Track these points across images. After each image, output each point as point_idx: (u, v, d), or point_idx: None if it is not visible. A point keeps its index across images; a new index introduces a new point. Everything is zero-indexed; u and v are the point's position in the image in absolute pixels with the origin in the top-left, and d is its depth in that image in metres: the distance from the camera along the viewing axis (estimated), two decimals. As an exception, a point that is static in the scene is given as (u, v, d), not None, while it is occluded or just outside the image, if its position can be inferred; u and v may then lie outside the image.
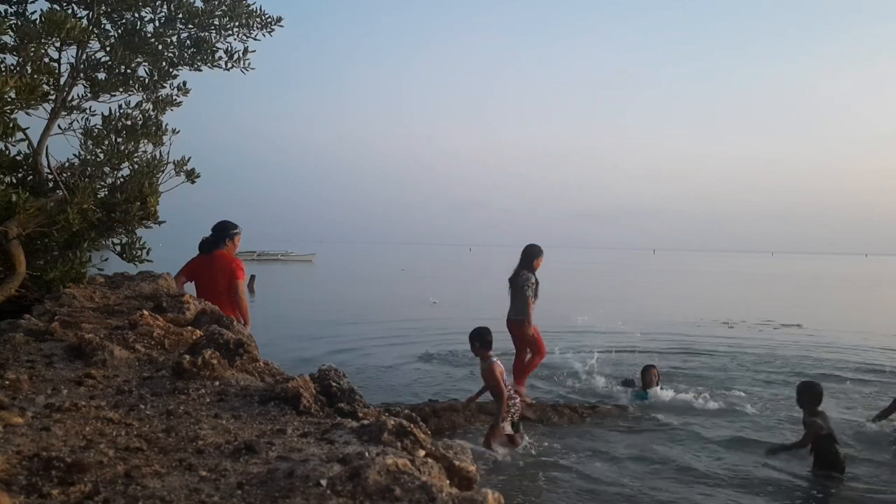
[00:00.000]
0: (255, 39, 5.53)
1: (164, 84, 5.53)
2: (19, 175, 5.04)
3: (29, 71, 4.69)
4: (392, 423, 1.66)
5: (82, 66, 5.13)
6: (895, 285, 41.31)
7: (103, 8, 5.12)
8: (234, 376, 2.31)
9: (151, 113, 5.47)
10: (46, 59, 4.92)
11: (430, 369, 10.03)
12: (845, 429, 6.81)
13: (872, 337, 13.87)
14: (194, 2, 5.36)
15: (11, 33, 4.66)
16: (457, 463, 1.59)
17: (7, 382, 2.10)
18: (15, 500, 1.29)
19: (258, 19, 5.46)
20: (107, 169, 5.22)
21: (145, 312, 3.08)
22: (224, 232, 5.63)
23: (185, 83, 5.63)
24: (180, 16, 5.33)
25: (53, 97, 4.93)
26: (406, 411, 1.92)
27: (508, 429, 5.98)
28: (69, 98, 5.13)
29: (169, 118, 5.60)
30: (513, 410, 5.99)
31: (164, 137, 5.41)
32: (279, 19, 5.56)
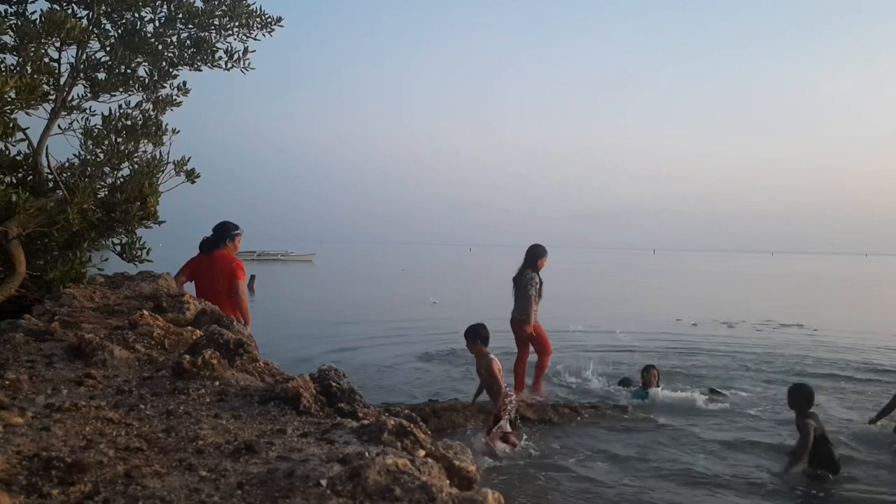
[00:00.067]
0: (255, 39, 5.54)
1: (164, 84, 5.54)
2: (19, 175, 5.04)
3: (29, 71, 4.69)
4: (392, 423, 1.66)
5: (82, 66, 5.13)
6: (895, 285, 41.31)
7: (103, 8, 5.12)
8: (234, 376, 2.31)
9: (151, 113, 5.47)
10: (46, 59, 4.92)
11: (430, 369, 10.03)
12: (845, 429, 6.81)
13: (873, 337, 13.86)
14: (194, 2, 5.36)
15: (11, 33, 4.66)
16: (457, 463, 1.59)
17: (7, 382, 2.10)
18: (15, 500, 1.29)
19: (258, 19, 5.47)
20: (107, 169, 5.23)
21: (145, 312, 3.08)
22: (225, 232, 5.64)
23: (185, 83, 5.64)
24: (180, 16, 5.33)
25: (53, 97, 4.93)
26: (406, 411, 1.92)
27: (508, 427, 5.98)
28: (69, 98, 5.13)
29: (169, 118, 5.61)
30: (510, 408, 5.99)
31: (164, 137, 5.41)
32: (279, 19, 5.56)
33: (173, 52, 5.44)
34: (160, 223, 5.24)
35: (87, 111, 5.28)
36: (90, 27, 5.02)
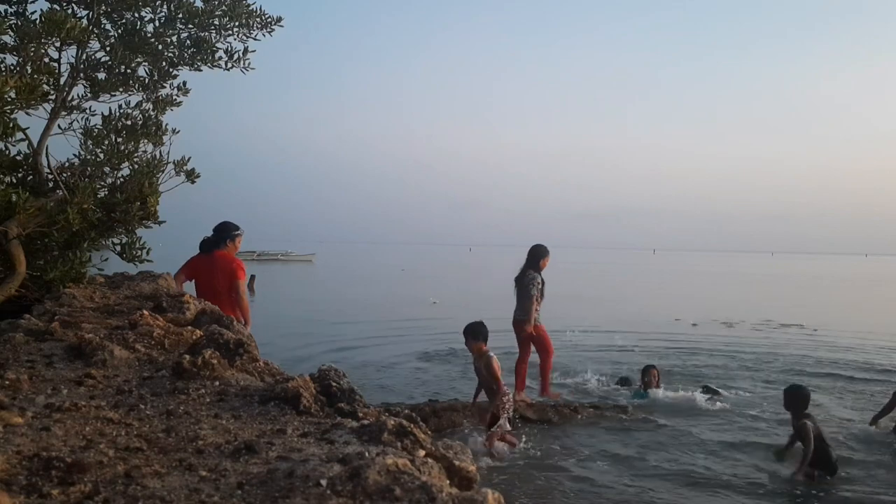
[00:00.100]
0: (255, 39, 5.53)
1: (164, 84, 5.53)
2: (19, 175, 5.04)
3: (29, 71, 4.69)
4: (392, 423, 1.66)
5: (82, 65, 5.13)
6: (895, 285, 41.31)
7: (103, 8, 5.12)
8: (234, 376, 2.31)
9: (151, 113, 5.47)
10: (46, 59, 4.92)
11: (430, 369, 10.03)
12: (845, 429, 6.81)
13: (873, 337, 13.86)
14: (194, 2, 5.36)
15: (11, 33, 4.66)
16: (457, 463, 1.59)
17: (7, 382, 2.10)
18: (15, 500, 1.29)
19: (258, 19, 5.47)
20: (107, 169, 5.22)
21: (145, 312, 3.08)
22: (226, 233, 5.65)
23: (185, 83, 5.64)
24: (180, 16, 5.33)
25: (53, 97, 4.93)
26: (406, 411, 1.93)
27: (507, 426, 5.99)
28: (69, 98, 5.13)
29: (169, 118, 5.61)
30: (508, 406, 5.99)
31: (164, 137, 5.41)
32: (279, 19, 5.56)
33: (173, 52, 5.44)
34: (160, 223, 5.24)
35: (87, 111, 5.28)
36: (90, 27, 5.02)
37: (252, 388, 2.17)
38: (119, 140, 5.24)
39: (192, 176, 5.38)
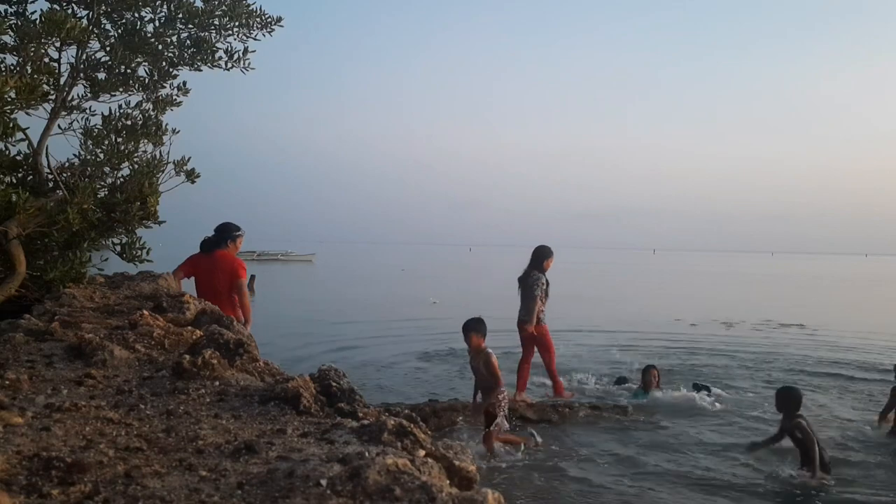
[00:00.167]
0: (255, 39, 5.53)
1: (164, 84, 5.53)
2: (19, 175, 5.04)
3: (29, 71, 4.69)
4: (392, 423, 1.67)
5: (82, 65, 5.13)
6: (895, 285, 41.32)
7: (103, 8, 5.12)
8: (234, 376, 2.31)
9: (151, 113, 5.47)
10: (46, 59, 4.92)
11: (430, 369, 10.03)
12: (845, 429, 6.80)
13: (874, 336, 13.85)
14: (194, 2, 5.36)
15: (11, 33, 4.66)
16: (457, 463, 1.59)
17: (7, 382, 2.10)
18: (15, 500, 1.29)
19: (258, 19, 5.47)
20: (107, 169, 5.23)
21: (145, 312, 3.08)
22: (227, 233, 5.66)
23: (185, 83, 5.64)
24: (180, 16, 5.33)
25: (53, 97, 4.93)
26: (406, 411, 1.93)
27: (505, 424, 5.99)
28: (69, 98, 5.13)
29: (169, 118, 5.61)
30: (504, 404, 5.98)
31: (163, 137, 5.41)
32: (279, 19, 5.56)
33: (173, 52, 5.44)
34: (160, 223, 5.24)
35: (87, 111, 5.29)
36: (90, 27, 5.02)
37: (252, 388, 2.17)
38: (119, 140, 5.24)
39: (191, 176, 5.38)
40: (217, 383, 2.21)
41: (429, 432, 1.71)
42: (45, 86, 4.72)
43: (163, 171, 5.26)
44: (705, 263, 79.71)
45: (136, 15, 5.30)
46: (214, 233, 5.70)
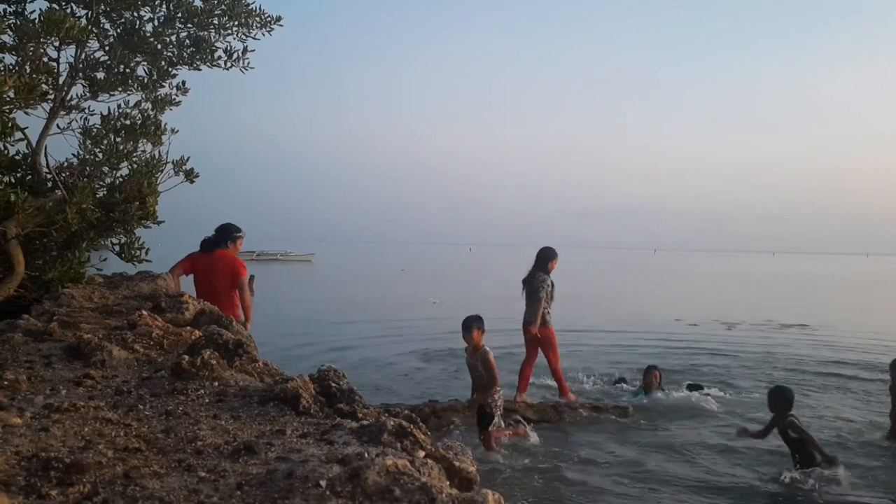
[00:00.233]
0: (255, 39, 5.52)
1: (163, 83, 5.52)
2: (18, 175, 5.03)
3: (28, 70, 4.68)
4: (392, 423, 1.66)
5: (81, 65, 5.12)
6: None
7: (102, 7, 5.11)
8: (234, 377, 2.31)
9: (150, 112, 5.46)
10: (45, 59, 4.91)
11: (430, 369, 10.03)
12: (845, 430, 6.80)
13: (875, 336, 13.85)
14: (193, 1, 5.35)
15: (10, 32, 4.65)
16: (457, 464, 1.58)
17: (6, 383, 2.09)
18: (14, 501, 1.29)
19: (257, 18, 5.46)
20: (106, 169, 5.21)
21: (144, 313, 3.07)
22: (227, 234, 5.69)
23: (184, 82, 5.63)
24: (179, 15, 5.32)
25: (52, 97, 4.92)
26: (406, 412, 1.92)
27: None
28: (68, 97, 5.12)
29: (168, 117, 5.60)
30: (500, 403, 5.98)
31: (163, 137, 5.40)
32: (278, 18, 5.55)
33: (172, 52, 5.43)
34: (159, 223, 5.23)
35: (86, 111, 5.27)
36: (89, 26, 5.01)
37: (251, 389, 2.16)
38: (118, 140, 5.23)
39: (190, 176, 5.37)
40: (216, 384, 2.21)
41: (429, 433, 1.70)
42: (43, 85, 4.71)
43: (162, 171, 5.25)
44: (706, 263, 79.74)
45: (136, 14, 5.29)
46: (215, 232, 5.71)
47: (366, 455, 1.43)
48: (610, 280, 39.54)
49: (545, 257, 7.83)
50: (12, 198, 4.12)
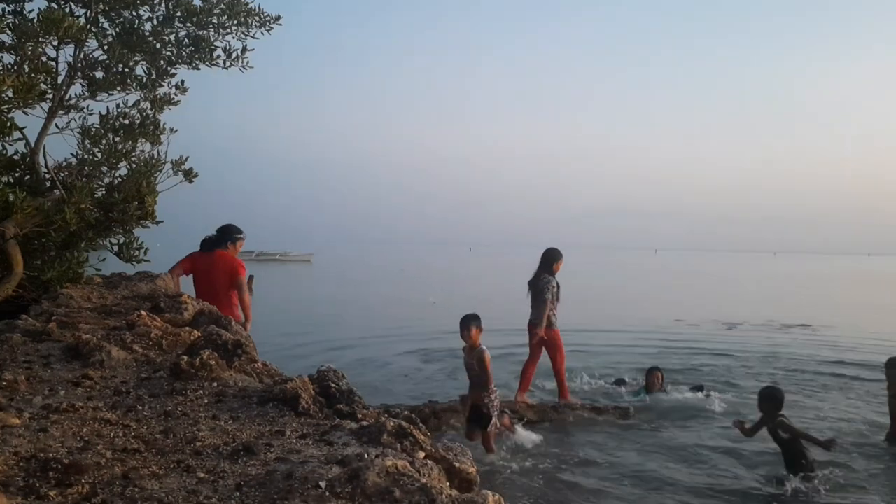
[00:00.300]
0: (254, 38, 5.51)
1: (162, 83, 5.51)
2: (16, 174, 5.01)
3: (26, 70, 4.67)
4: (391, 424, 1.66)
5: (80, 64, 5.11)
6: None
7: (101, 6, 5.10)
8: (233, 377, 2.30)
9: (149, 112, 5.45)
10: (44, 58, 4.90)
11: (429, 369, 10.03)
12: (844, 431, 6.79)
13: (877, 336, 13.83)
14: (192, 0, 5.34)
15: (9, 32, 4.64)
16: (457, 465, 1.58)
17: (4, 383, 2.08)
18: (13, 501, 1.28)
19: (257, 18, 5.45)
20: (104, 168, 5.20)
21: (143, 313, 3.07)
22: (228, 234, 5.70)
23: (182, 82, 5.62)
24: (178, 14, 5.31)
25: (51, 96, 4.91)
26: (405, 412, 1.92)
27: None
28: (67, 97, 5.11)
29: (167, 117, 5.59)
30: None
31: (161, 136, 5.39)
32: (278, 17, 5.55)
33: (171, 51, 5.42)
34: (158, 223, 5.22)
35: (85, 110, 5.26)
36: (88, 26, 5.00)
37: (250, 390, 2.16)
38: (117, 139, 5.22)
39: (189, 175, 5.36)
40: (215, 384, 2.20)
41: (428, 434, 1.70)
42: (42, 85, 4.70)
43: (161, 171, 5.24)
44: (707, 263, 79.76)
45: (134, 13, 5.28)
46: (216, 233, 5.72)
47: (365, 456, 1.43)
48: (611, 280, 39.54)
49: (550, 258, 7.81)
50: (11, 197, 4.11)
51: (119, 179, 5.19)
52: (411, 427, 1.65)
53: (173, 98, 5.61)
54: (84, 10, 5.10)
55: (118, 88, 5.26)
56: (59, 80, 5.02)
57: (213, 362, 2.29)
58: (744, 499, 5.07)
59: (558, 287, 7.75)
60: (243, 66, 5.49)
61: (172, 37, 5.40)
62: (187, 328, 3.07)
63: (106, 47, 5.16)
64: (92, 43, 5.16)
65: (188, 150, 5.41)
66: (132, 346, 2.64)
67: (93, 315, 3.42)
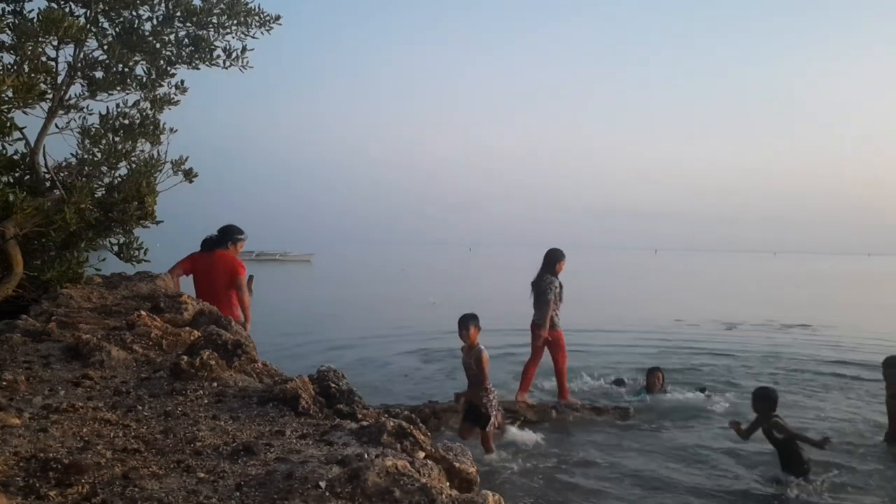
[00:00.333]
0: (254, 38, 5.51)
1: (162, 83, 5.51)
2: (16, 174, 5.01)
3: (26, 69, 4.67)
4: (391, 424, 1.66)
5: (80, 64, 5.11)
6: None
7: (101, 6, 5.10)
8: (233, 377, 2.30)
9: (149, 112, 5.45)
10: (44, 58, 4.90)
11: (429, 369, 10.02)
12: (844, 432, 6.79)
13: (877, 336, 13.82)
14: (192, 0, 5.34)
15: (9, 31, 4.64)
16: (457, 465, 1.58)
17: (4, 383, 2.08)
18: (13, 502, 1.28)
19: (257, 17, 5.45)
20: (104, 168, 5.20)
21: (143, 313, 3.07)
22: (229, 235, 5.71)
23: (182, 82, 5.62)
24: (178, 14, 5.31)
25: (51, 96, 4.91)
26: (405, 412, 1.92)
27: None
28: (66, 97, 5.10)
29: (167, 117, 5.59)
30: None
31: (161, 136, 5.39)
32: (277, 17, 5.54)
33: (171, 51, 5.42)
34: (158, 223, 5.22)
35: (85, 110, 5.26)
36: (88, 25, 5.00)
37: (250, 390, 2.16)
38: (117, 139, 5.22)
39: (189, 175, 5.36)
40: (215, 384, 2.20)
41: (428, 434, 1.70)
42: (42, 84, 4.69)
43: (160, 171, 5.24)
44: (707, 263, 79.74)
45: (134, 13, 5.28)
46: (218, 233, 5.73)
47: (365, 456, 1.43)
48: (611, 280, 39.53)
49: (553, 259, 7.81)
50: (11, 198, 4.11)
51: (119, 179, 5.19)
52: (411, 427, 1.65)
53: (173, 98, 5.61)
54: (84, 10, 5.10)
55: (118, 88, 5.26)
56: (59, 80, 5.02)
57: (213, 362, 2.29)
58: (744, 499, 5.07)
59: (561, 287, 7.75)
60: (243, 66, 5.49)
61: (172, 37, 5.40)
62: (187, 328, 3.07)
63: (106, 47, 5.16)
64: (92, 43, 5.16)
65: (188, 150, 5.41)
66: (132, 346, 2.64)
67: (93, 315, 3.42)
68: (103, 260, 5.27)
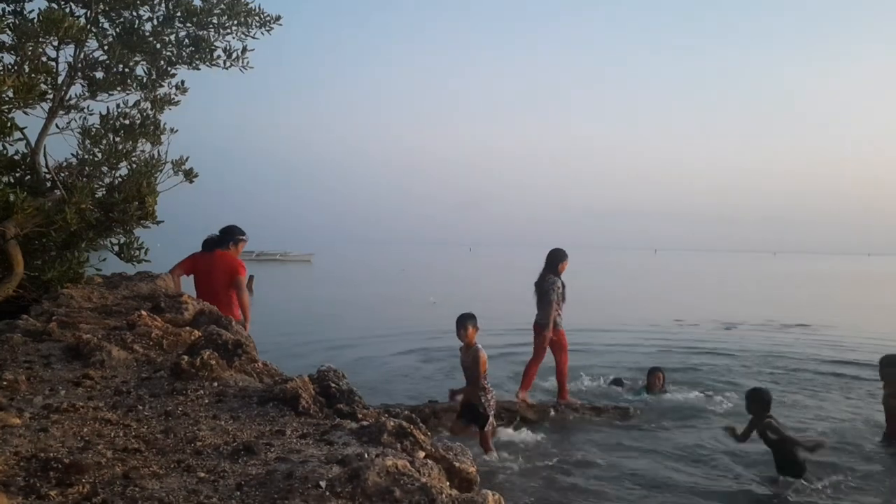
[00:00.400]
0: (254, 38, 5.52)
1: (163, 83, 5.52)
2: (17, 175, 5.02)
3: (27, 70, 4.67)
4: (392, 424, 1.66)
5: (80, 64, 5.12)
6: None
7: (101, 6, 5.10)
8: (233, 377, 2.31)
9: (149, 112, 5.45)
10: (44, 58, 4.90)
11: (429, 369, 10.02)
12: (843, 432, 6.79)
13: (877, 336, 13.81)
14: (192, 0, 5.35)
15: (9, 32, 4.64)
16: (457, 464, 1.58)
17: (5, 383, 2.09)
18: (13, 501, 1.28)
19: (257, 18, 5.45)
20: (105, 168, 5.21)
21: (143, 313, 3.07)
22: (231, 235, 5.72)
23: (182, 82, 5.62)
24: (179, 14, 5.31)
25: (51, 96, 4.91)
26: (406, 412, 1.92)
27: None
28: (67, 97, 5.11)
29: (168, 117, 5.59)
30: (493, 402, 5.96)
31: (162, 137, 5.40)
32: (278, 18, 5.55)
33: (171, 51, 5.42)
34: (158, 223, 5.23)
35: (85, 110, 5.26)
36: (88, 26, 5.00)
37: (251, 389, 2.16)
38: (117, 139, 5.22)
39: (190, 175, 5.37)
40: (215, 384, 2.20)
41: (429, 433, 1.70)
42: (42, 85, 4.70)
43: (161, 171, 5.25)
44: (707, 263, 79.71)
45: (135, 14, 5.28)
46: (219, 233, 5.74)
47: (366, 456, 1.43)
48: (611, 280, 39.53)
49: (555, 259, 7.80)
50: (11, 198, 4.12)
51: (119, 179, 5.20)
52: (411, 427, 1.65)
53: (173, 98, 5.61)
54: (84, 11, 5.10)
55: (118, 88, 5.26)
56: (60, 80, 5.02)
57: (213, 362, 2.29)
58: (743, 499, 5.07)
59: (564, 287, 7.75)
60: (243, 67, 5.49)
61: (172, 37, 5.40)
62: (188, 328, 3.07)
63: (106, 47, 5.17)
64: (92, 43, 5.17)
65: (188, 150, 5.41)
66: (133, 345, 2.64)
67: (93, 315, 3.43)
68: (104, 260, 5.28)
